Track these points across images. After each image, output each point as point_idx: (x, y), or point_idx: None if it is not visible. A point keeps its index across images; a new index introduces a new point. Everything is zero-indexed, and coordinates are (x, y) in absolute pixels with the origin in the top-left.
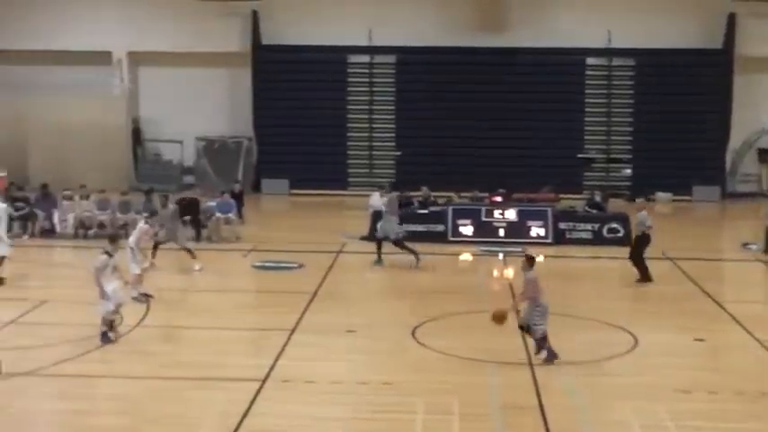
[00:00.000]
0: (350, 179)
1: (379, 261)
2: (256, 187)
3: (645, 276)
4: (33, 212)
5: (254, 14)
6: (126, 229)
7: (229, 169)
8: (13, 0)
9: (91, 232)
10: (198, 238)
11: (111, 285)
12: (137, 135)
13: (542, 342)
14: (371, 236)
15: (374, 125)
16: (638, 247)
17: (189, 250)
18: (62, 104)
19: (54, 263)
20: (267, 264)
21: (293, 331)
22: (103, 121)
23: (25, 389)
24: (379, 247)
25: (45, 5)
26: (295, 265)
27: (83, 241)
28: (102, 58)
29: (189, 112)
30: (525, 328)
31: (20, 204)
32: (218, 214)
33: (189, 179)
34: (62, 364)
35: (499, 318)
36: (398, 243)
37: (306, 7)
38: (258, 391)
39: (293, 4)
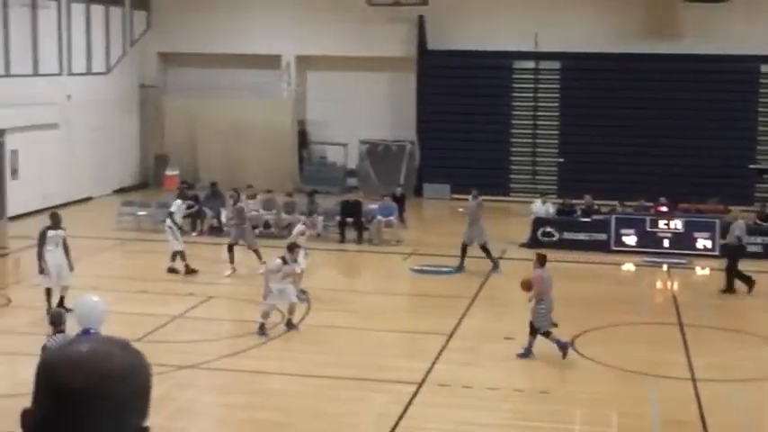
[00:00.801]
0: (512, 185)
1: (460, 268)
2: (418, 191)
3: (732, 287)
4: (202, 210)
5: (421, 20)
6: (289, 229)
7: (392, 173)
8: (189, 6)
9: (256, 231)
10: (359, 240)
11: (278, 287)
12: (303, 137)
13: (545, 336)
14: (532, 243)
15: (538, 131)
16: (732, 257)
17: (257, 251)
18: (232, 106)
19: (220, 260)
20: (426, 268)
21: (451, 336)
22: (271, 123)
23: (190, 382)
24: (463, 254)
25: (219, 11)
26: (454, 270)
27: None
28: (272, 61)
29: (354, 116)
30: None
31: (190, 203)
32: (379, 217)
33: (352, 181)
34: (225, 359)
35: (528, 286)
36: (484, 248)
37: (472, 13)
38: (415, 394)
39: (459, 9)
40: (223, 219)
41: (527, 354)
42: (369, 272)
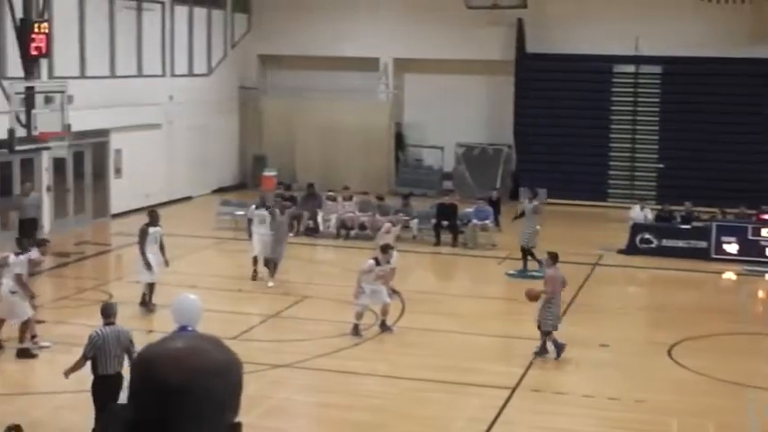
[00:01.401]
0: (609, 190)
1: (523, 272)
2: (514, 195)
3: None
4: (299, 211)
5: (520, 23)
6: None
7: (488, 176)
8: (290, 9)
9: (352, 233)
10: (454, 243)
11: (371, 287)
12: (399, 140)
13: (545, 335)
14: (630, 249)
15: (637, 136)
16: None
17: (275, 265)
18: (330, 108)
19: (316, 260)
20: (526, 273)
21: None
22: (368, 126)
23: (285, 380)
24: (524, 257)
25: (318, 14)
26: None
27: (344, 241)
28: (370, 64)
29: (450, 119)
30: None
31: (286, 203)
32: (474, 221)
33: (448, 184)
34: (319, 358)
35: (533, 297)
36: (530, 250)
37: (571, 16)
38: (508, 399)
39: (559, 12)
40: (319, 220)
41: (542, 352)
42: (463, 275)
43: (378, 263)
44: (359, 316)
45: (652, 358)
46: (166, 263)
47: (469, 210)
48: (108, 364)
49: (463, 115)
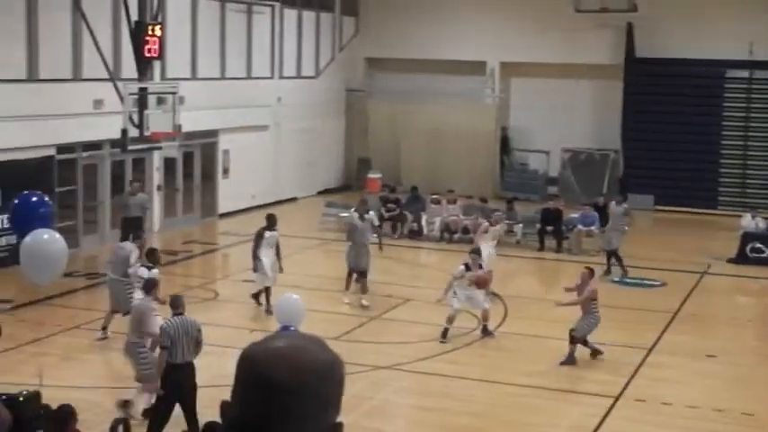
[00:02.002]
0: (720, 198)
1: (607, 273)
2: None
3: None
4: (403, 214)
5: (629, 27)
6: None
7: (594, 182)
8: (397, 12)
9: (455, 236)
10: (558, 249)
11: (465, 293)
12: (504, 144)
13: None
14: (740, 259)
15: (749, 143)
16: None
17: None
18: (435, 111)
19: (419, 263)
20: (627, 280)
21: (650, 351)
22: (474, 129)
23: (386, 382)
24: (609, 259)
25: (425, 17)
26: (657, 283)
27: (447, 244)
28: (476, 67)
29: (557, 123)
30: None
31: (391, 206)
32: (579, 226)
33: (553, 189)
34: (421, 361)
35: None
36: (612, 254)
37: (683, 20)
38: (611, 408)
39: (670, 16)
40: (423, 222)
41: (573, 360)
42: (567, 281)
43: (468, 268)
44: (450, 320)
45: (761, 370)
46: (281, 268)
47: (575, 215)
48: (177, 353)
49: (570, 120)
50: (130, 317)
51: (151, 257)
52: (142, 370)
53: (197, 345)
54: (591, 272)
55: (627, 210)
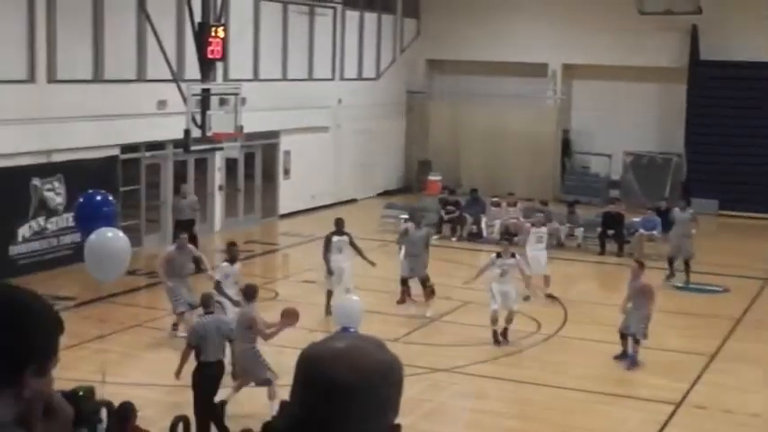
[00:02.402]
0: None
1: (670, 277)
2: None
3: None
4: (462, 216)
5: (694, 29)
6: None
7: (656, 186)
8: (459, 14)
9: (515, 239)
10: (620, 253)
11: (499, 288)
12: (566, 147)
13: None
14: None
15: None
16: None
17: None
18: (496, 113)
19: (478, 266)
20: (690, 285)
21: (713, 357)
22: (534, 132)
23: (443, 384)
24: (671, 264)
25: (487, 19)
26: (719, 289)
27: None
28: (538, 69)
29: (619, 126)
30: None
31: (450, 208)
32: (641, 230)
33: (614, 193)
34: (479, 364)
35: None
36: (686, 262)
37: (749, 22)
38: (671, 415)
39: (735, 19)
40: (483, 225)
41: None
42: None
43: (499, 255)
44: (493, 321)
45: None
46: (371, 263)
47: (636, 219)
48: (209, 352)
49: (632, 123)
50: (237, 325)
51: (230, 253)
52: (267, 372)
53: (230, 343)
54: (640, 265)
55: (693, 215)
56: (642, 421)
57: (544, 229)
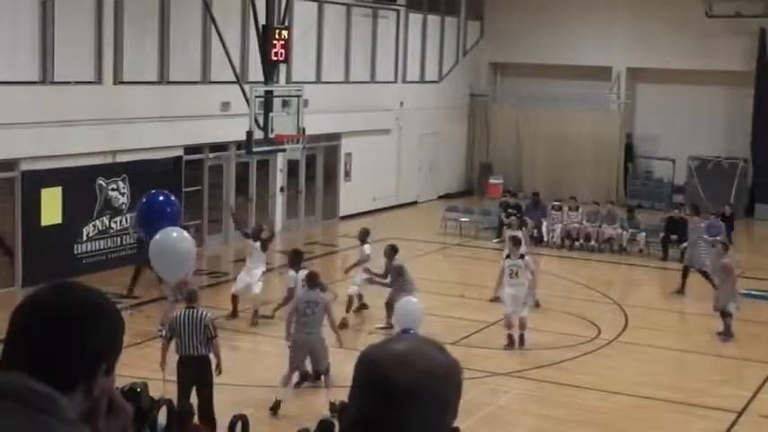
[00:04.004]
0: None
1: (680, 291)
2: (749, 212)
3: None
4: (524, 220)
5: (762, 32)
6: (611, 243)
7: (721, 191)
8: (522, 17)
9: (576, 243)
10: (683, 258)
11: (510, 292)
12: (629, 151)
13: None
14: None
15: None
16: None
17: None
18: (559, 116)
19: (539, 270)
20: (754, 292)
21: None
22: (597, 136)
23: (503, 389)
24: (684, 276)
25: (551, 22)
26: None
27: (568, 251)
28: (601, 73)
29: (683, 131)
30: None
31: (511, 212)
32: (705, 236)
33: (678, 198)
34: (539, 369)
35: None
36: (703, 273)
37: None
38: (734, 423)
39: None
40: (543, 229)
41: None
42: (690, 292)
43: (508, 256)
44: (507, 325)
45: None
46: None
47: (701, 225)
48: (183, 347)
49: (697, 127)
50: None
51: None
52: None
53: (208, 340)
54: (724, 247)
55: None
56: (704, 429)
57: (520, 233)
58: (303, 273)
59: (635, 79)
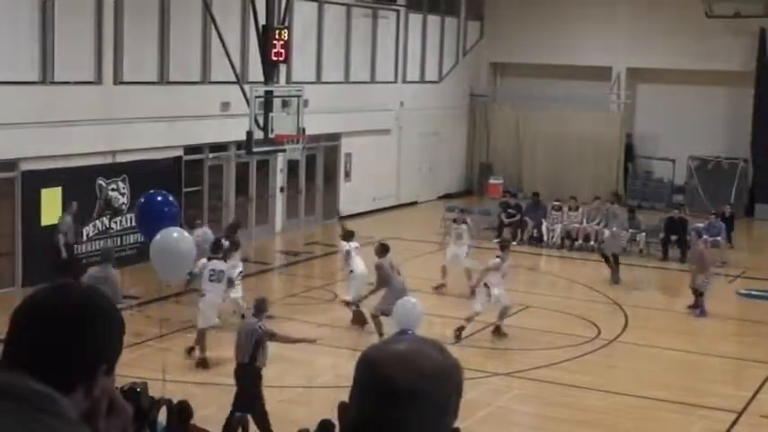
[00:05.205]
0: None
1: (615, 280)
2: (749, 212)
3: None
4: (524, 220)
5: (762, 32)
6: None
7: (721, 191)
8: (523, 17)
9: (576, 243)
10: (682, 258)
11: (498, 291)
12: (629, 151)
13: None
14: None
15: None
16: None
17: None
18: (558, 116)
19: (539, 270)
20: (754, 292)
21: None
22: (597, 136)
23: (503, 389)
24: (607, 262)
25: (551, 22)
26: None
27: (568, 251)
28: (601, 73)
29: (683, 131)
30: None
31: (511, 211)
32: (705, 236)
33: (678, 198)
34: (540, 369)
35: None
36: (616, 258)
37: None
38: (734, 423)
39: None
40: (544, 229)
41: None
42: (690, 292)
43: (503, 260)
44: (468, 318)
45: None
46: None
47: (700, 225)
48: (239, 354)
49: (697, 127)
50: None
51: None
52: None
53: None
54: (698, 235)
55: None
56: (703, 429)
57: (464, 226)
58: None
59: (635, 79)
